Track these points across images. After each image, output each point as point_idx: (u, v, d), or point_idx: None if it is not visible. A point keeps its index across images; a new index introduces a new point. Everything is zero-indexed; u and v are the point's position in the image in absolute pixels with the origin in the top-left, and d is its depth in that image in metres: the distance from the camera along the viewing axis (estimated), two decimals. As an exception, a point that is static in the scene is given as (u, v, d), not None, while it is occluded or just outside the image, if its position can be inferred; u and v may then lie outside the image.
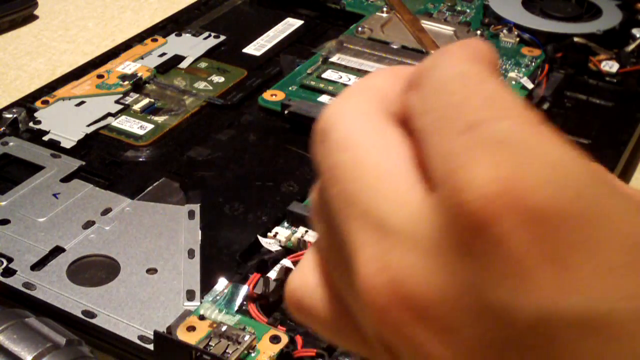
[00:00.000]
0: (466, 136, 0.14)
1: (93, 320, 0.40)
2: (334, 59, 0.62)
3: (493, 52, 0.18)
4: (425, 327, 0.14)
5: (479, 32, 0.66)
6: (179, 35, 0.68)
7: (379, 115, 0.17)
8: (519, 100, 0.15)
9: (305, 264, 0.19)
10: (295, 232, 0.45)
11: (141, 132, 0.55)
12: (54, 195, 0.48)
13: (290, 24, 0.71)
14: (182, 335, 0.38)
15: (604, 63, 0.63)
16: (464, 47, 0.17)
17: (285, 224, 0.46)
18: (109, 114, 0.57)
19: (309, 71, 0.61)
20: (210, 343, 0.37)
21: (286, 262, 0.43)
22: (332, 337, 0.18)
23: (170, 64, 0.63)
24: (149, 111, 0.58)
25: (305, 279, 0.19)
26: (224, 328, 0.38)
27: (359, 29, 0.66)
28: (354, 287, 0.15)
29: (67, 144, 0.54)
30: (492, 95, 0.15)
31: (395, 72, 0.18)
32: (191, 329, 0.38)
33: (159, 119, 0.57)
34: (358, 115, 0.17)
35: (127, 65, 0.62)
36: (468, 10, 0.72)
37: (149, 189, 0.50)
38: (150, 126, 0.56)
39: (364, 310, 0.15)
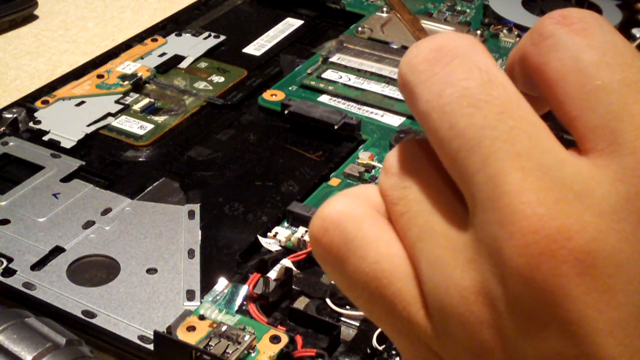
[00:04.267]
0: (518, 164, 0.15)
1: (93, 320, 0.40)
2: (334, 59, 0.62)
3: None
4: (585, 283, 0.14)
5: (479, 32, 0.66)
6: (179, 35, 0.68)
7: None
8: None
9: (353, 195, 0.18)
10: (295, 232, 0.45)
11: (141, 132, 0.55)
12: (54, 195, 0.48)
13: (290, 24, 0.71)
14: (182, 335, 0.38)
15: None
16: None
17: (285, 224, 0.46)
18: (109, 114, 0.57)
19: (309, 71, 0.61)
20: (210, 343, 0.37)
21: (286, 262, 0.43)
22: (365, 287, 0.17)
23: (170, 64, 0.63)
24: (149, 111, 0.58)
25: (355, 210, 0.17)
26: (224, 328, 0.38)
27: (359, 29, 0.67)
28: (491, 227, 0.15)
29: (67, 144, 0.54)
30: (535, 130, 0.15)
31: None
32: (191, 329, 0.38)
33: (159, 119, 0.57)
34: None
35: (127, 65, 0.62)
36: (468, 10, 0.72)
37: (149, 189, 0.50)
38: (150, 126, 0.56)
39: (507, 253, 0.14)
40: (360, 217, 0.17)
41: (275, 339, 0.38)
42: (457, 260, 0.15)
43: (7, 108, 0.56)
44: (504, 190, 0.14)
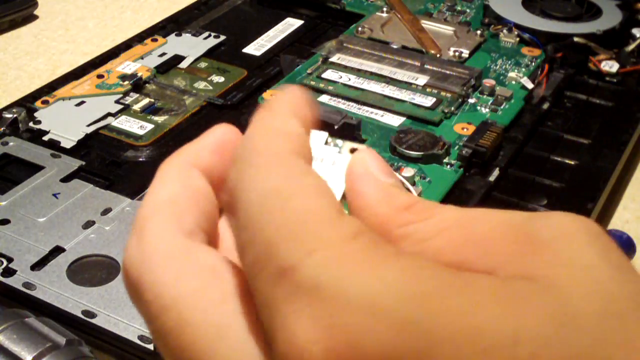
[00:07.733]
0: (281, 287, 0.14)
1: (93, 320, 0.40)
2: (334, 59, 0.62)
3: (303, 103, 0.18)
4: None
5: (479, 32, 0.66)
6: (179, 35, 0.68)
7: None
8: (332, 207, 0.15)
9: (159, 229, 0.19)
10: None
11: (141, 132, 0.55)
12: (54, 195, 0.48)
13: (290, 24, 0.71)
14: (182, 335, 0.38)
15: (604, 63, 0.63)
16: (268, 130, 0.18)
17: (285, 224, 0.46)
18: (109, 114, 0.57)
19: (309, 71, 0.61)
20: (210, 343, 0.37)
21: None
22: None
23: (170, 64, 0.63)
24: (149, 111, 0.58)
25: (151, 250, 0.18)
26: (224, 328, 0.38)
27: (359, 29, 0.66)
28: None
29: (67, 144, 0.54)
30: (299, 218, 0.15)
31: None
32: (191, 329, 0.38)
33: (159, 119, 0.57)
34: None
35: (127, 65, 0.62)
36: (468, 10, 0.72)
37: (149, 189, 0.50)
38: (150, 126, 0.56)
39: None
40: (157, 261, 0.19)
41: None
42: None
43: (7, 108, 0.56)
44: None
